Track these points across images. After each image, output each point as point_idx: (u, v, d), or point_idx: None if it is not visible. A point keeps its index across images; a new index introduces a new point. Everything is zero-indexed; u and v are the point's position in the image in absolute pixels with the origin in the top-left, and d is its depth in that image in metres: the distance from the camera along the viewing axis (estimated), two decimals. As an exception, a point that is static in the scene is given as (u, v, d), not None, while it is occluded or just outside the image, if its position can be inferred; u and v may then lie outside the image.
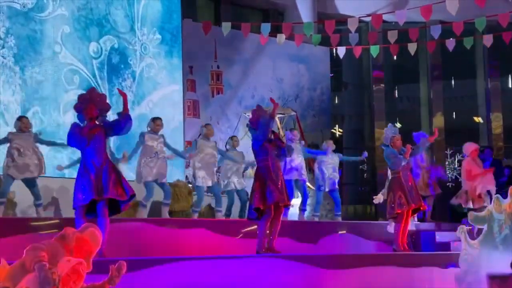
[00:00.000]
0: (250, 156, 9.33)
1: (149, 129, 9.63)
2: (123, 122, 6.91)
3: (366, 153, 11.70)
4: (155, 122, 9.62)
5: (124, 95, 7.14)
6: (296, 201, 11.53)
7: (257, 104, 8.54)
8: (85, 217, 6.65)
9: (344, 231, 9.86)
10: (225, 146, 10.62)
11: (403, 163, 9.14)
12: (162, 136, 9.66)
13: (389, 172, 9.65)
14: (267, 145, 7.75)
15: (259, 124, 7.80)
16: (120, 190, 6.71)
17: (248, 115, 13.54)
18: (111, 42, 12.70)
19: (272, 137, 7.91)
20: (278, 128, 13.26)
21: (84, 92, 7.65)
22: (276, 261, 7.54)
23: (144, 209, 9.46)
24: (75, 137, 6.87)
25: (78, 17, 12.22)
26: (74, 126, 6.97)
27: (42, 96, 11.43)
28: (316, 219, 11.06)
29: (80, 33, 12.23)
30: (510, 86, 18.84)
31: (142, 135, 9.55)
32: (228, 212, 10.34)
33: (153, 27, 13.25)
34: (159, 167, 9.44)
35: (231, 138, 10.71)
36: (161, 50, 13.19)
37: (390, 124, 9.81)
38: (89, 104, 6.94)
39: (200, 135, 10.40)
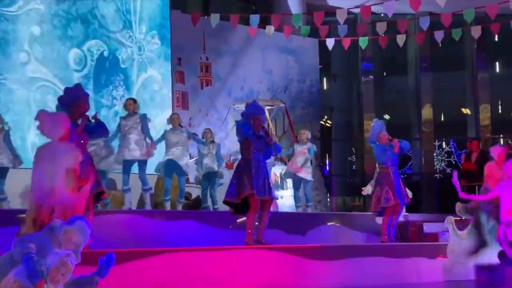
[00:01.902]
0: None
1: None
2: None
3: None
4: (126, 102, 9.52)
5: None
6: (285, 193, 11.56)
7: (254, 100, 8.49)
8: None
9: (333, 223, 9.89)
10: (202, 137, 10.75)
11: (394, 158, 9.17)
12: (139, 116, 9.32)
13: (377, 165, 9.68)
14: (252, 140, 7.72)
15: (238, 125, 7.78)
16: None
17: (237, 107, 13.56)
18: (100, 48, 11.03)
19: (261, 133, 7.88)
20: (268, 120, 13.26)
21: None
22: (265, 252, 7.55)
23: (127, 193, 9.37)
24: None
25: (56, 11, 10.47)
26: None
27: (13, 110, 9.79)
28: (309, 209, 11.07)
29: (60, 32, 10.42)
30: (498, 77, 18.93)
31: (120, 120, 9.52)
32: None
33: (150, 24, 12.41)
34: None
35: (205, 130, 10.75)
36: (161, 52, 12.77)
37: (376, 120, 9.79)
38: (79, 102, 6.90)
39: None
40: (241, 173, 7.66)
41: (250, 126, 7.76)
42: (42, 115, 5.67)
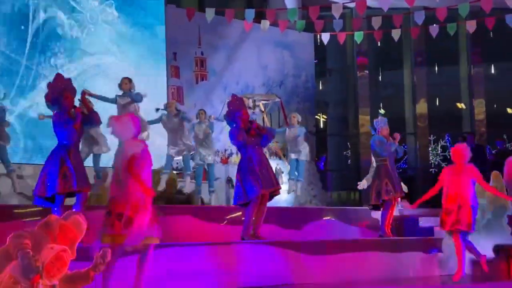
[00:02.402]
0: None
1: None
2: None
3: None
4: (122, 81, 9.55)
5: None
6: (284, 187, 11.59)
7: (232, 94, 8.46)
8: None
9: (329, 217, 9.90)
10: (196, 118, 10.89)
11: (392, 149, 9.18)
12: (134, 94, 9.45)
13: (373, 159, 9.69)
14: (245, 137, 7.70)
15: (233, 131, 7.76)
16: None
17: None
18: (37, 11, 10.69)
19: (250, 125, 7.85)
20: (263, 115, 13.25)
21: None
22: (261, 247, 7.56)
23: None
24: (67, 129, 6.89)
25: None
26: (66, 118, 6.94)
27: None
28: (299, 185, 11.13)
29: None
30: (493, 72, 18.96)
31: (115, 96, 9.52)
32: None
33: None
34: None
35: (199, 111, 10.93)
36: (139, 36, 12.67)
37: (380, 117, 9.83)
38: (66, 92, 6.94)
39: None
40: (245, 173, 7.63)
41: (242, 130, 7.70)
42: (112, 122, 6.04)
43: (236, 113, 7.74)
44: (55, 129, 7.01)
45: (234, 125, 7.75)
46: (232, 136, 7.75)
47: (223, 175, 12.49)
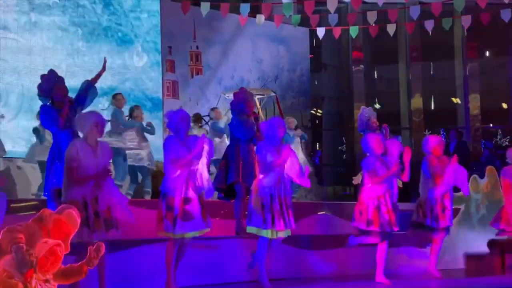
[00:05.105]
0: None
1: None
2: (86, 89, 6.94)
3: None
4: (116, 98, 9.57)
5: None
6: None
7: (241, 87, 8.46)
8: (58, 199, 6.65)
9: (323, 212, 9.90)
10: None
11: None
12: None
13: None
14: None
15: (238, 126, 7.73)
16: None
17: (227, 96, 13.52)
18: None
19: (252, 119, 7.83)
20: (258, 109, 13.25)
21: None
22: (255, 242, 7.54)
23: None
24: (51, 118, 6.80)
25: None
26: (48, 107, 6.86)
27: None
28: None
29: None
30: (488, 66, 18.96)
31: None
32: None
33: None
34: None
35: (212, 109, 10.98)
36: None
37: (362, 108, 9.78)
38: (58, 84, 6.89)
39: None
40: (228, 160, 7.62)
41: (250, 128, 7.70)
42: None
43: (242, 101, 7.72)
44: (43, 123, 7.00)
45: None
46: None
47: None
